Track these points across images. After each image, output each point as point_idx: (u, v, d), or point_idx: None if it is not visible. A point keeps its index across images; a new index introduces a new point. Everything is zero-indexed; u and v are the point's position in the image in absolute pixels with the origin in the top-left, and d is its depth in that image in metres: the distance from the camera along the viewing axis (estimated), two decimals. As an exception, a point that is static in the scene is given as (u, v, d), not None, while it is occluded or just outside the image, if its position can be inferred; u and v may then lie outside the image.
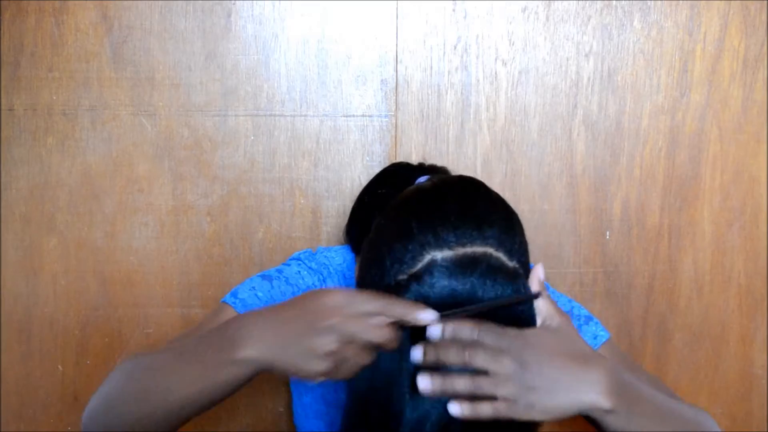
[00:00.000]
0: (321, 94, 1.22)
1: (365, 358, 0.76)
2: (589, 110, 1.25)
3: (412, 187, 0.88)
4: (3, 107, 1.21)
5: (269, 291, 0.99)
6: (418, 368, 0.77)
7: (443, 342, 0.77)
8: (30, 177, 1.22)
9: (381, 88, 1.23)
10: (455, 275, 0.78)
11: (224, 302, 0.98)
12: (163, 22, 1.20)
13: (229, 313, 0.95)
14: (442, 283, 0.77)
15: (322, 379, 0.75)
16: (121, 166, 1.23)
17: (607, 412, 0.77)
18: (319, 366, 0.74)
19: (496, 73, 1.23)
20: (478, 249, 0.79)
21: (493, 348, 0.76)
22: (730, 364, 1.32)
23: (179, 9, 1.20)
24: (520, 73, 1.23)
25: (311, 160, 1.24)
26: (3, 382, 1.26)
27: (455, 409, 0.76)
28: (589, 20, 1.23)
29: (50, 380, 1.27)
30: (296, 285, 1.01)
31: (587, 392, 0.77)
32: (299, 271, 1.03)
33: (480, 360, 0.75)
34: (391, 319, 0.75)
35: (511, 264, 0.81)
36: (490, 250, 0.79)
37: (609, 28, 1.23)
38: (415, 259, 0.79)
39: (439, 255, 0.78)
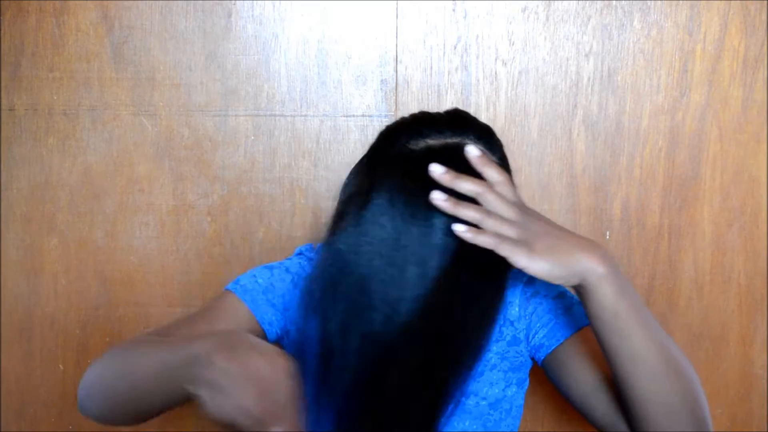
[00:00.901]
0: (321, 94, 1.22)
1: None
2: (589, 110, 1.25)
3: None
4: (4, 107, 1.21)
5: (269, 278, 1.01)
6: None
7: (463, 175, 0.83)
8: (31, 177, 1.23)
9: (381, 88, 1.23)
10: (437, 158, 0.85)
11: (227, 289, 1.01)
12: (164, 22, 1.20)
13: (231, 298, 0.99)
14: (423, 164, 0.84)
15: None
16: (121, 166, 1.23)
17: (602, 277, 0.81)
18: (241, 420, 0.74)
19: (496, 73, 1.23)
20: (457, 140, 0.88)
21: (506, 197, 0.82)
22: (730, 364, 1.32)
23: (179, 9, 1.20)
24: (520, 73, 1.23)
25: (311, 160, 1.24)
26: (4, 381, 1.26)
27: (459, 227, 0.81)
28: (589, 20, 1.23)
29: (51, 380, 1.27)
30: (296, 273, 1.03)
31: (585, 253, 0.82)
32: (300, 263, 1.05)
33: (492, 200, 0.82)
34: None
35: (492, 158, 0.89)
36: (469, 142, 0.88)
37: (609, 28, 1.23)
38: (400, 149, 0.88)
39: (422, 142, 0.88)
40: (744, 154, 1.26)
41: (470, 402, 1.01)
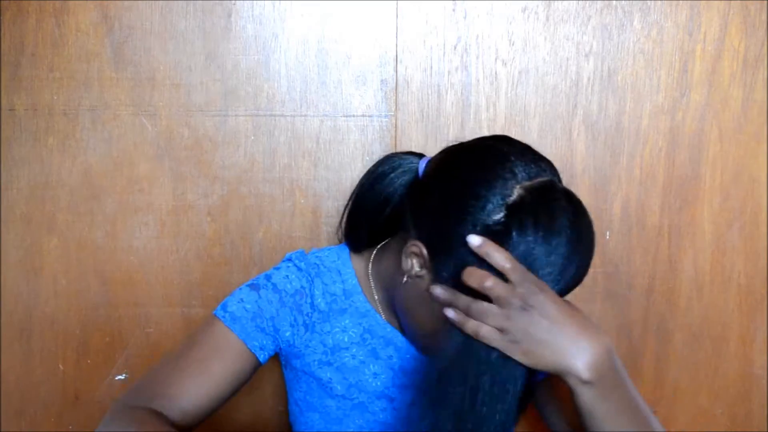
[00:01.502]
0: (321, 94, 1.22)
1: None
2: (589, 110, 1.25)
3: (454, 146, 0.96)
4: (4, 107, 1.21)
5: (256, 301, 1.01)
6: None
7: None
8: (31, 177, 1.23)
9: (381, 88, 1.23)
10: (543, 200, 0.86)
11: (215, 315, 1.01)
12: (164, 22, 1.20)
13: (220, 328, 0.99)
14: (537, 209, 0.85)
15: None
16: (121, 166, 1.23)
17: (583, 383, 0.84)
18: None
19: (496, 73, 1.23)
20: (545, 177, 0.89)
21: (513, 285, 0.84)
22: (730, 364, 1.32)
23: (179, 9, 1.20)
24: (520, 73, 1.23)
25: (311, 160, 1.24)
26: (3, 381, 1.26)
27: (451, 314, 0.87)
28: (589, 20, 1.23)
29: (51, 379, 1.27)
30: (284, 290, 1.03)
31: (572, 357, 0.83)
32: (287, 275, 1.04)
33: (498, 289, 0.84)
34: None
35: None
36: (554, 179, 0.90)
37: (609, 28, 1.23)
38: (504, 193, 0.86)
39: (522, 185, 0.87)
40: (744, 154, 1.26)
41: None
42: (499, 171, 0.87)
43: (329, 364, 1.03)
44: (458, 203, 0.88)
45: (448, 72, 1.23)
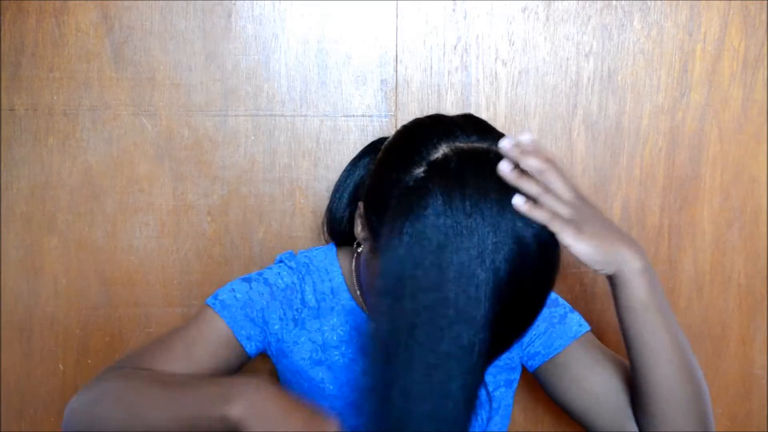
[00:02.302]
0: (321, 94, 1.22)
1: None
2: (589, 110, 1.25)
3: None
4: (4, 107, 1.21)
5: (247, 292, 1.03)
6: None
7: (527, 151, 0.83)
8: (31, 177, 1.23)
9: (381, 88, 1.23)
10: (471, 163, 0.83)
11: (206, 304, 1.03)
12: (164, 22, 1.20)
13: (210, 314, 1.02)
14: (462, 170, 0.82)
15: None
16: (121, 166, 1.23)
17: (637, 271, 0.85)
18: None
19: (496, 73, 1.23)
20: (485, 144, 0.86)
21: (564, 178, 0.84)
22: (730, 364, 1.32)
23: (179, 9, 1.20)
24: (520, 73, 1.23)
25: (311, 160, 1.24)
26: (3, 381, 1.26)
27: (518, 200, 0.81)
28: (589, 20, 1.23)
29: (51, 379, 1.27)
30: (275, 284, 1.04)
31: (625, 247, 0.85)
32: (279, 272, 1.06)
33: (553, 177, 0.83)
34: None
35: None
36: (495, 148, 0.86)
37: (609, 28, 1.23)
38: (429, 151, 0.84)
39: (453, 145, 0.84)
40: (744, 154, 1.26)
41: None
42: (432, 131, 0.87)
43: (320, 362, 1.03)
44: (387, 161, 0.89)
45: (448, 72, 1.23)
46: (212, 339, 1.00)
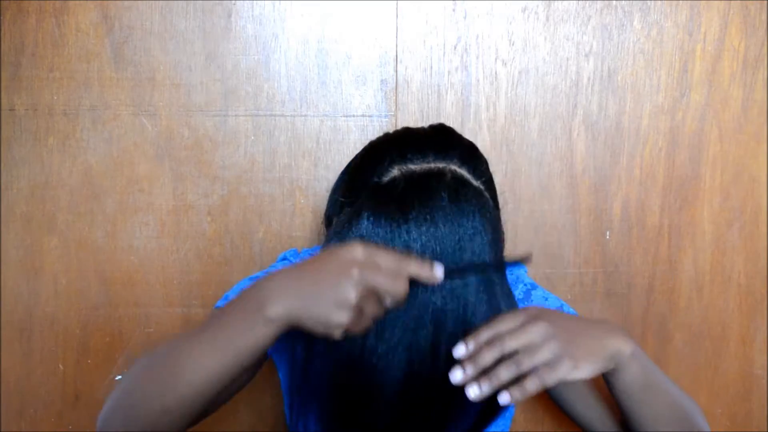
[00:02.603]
0: (321, 94, 1.22)
1: (379, 312, 0.79)
2: (589, 110, 1.25)
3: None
4: (4, 107, 1.21)
5: None
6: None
7: (481, 347, 0.80)
8: (31, 177, 1.23)
9: (381, 88, 1.23)
10: (417, 188, 0.83)
11: (216, 307, 1.00)
12: (164, 22, 1.20)
13: None
14: (406, 193, 0.83)
15: (341, 332, 0.77)
16: (121, 166, 1.23)
17: (630, 356, 0.85)
18: (341, 317, 0.75)
19: (496, 73, 1.23)
20: (441, 165, 0.85)
21: (516, 326, 0.80)
22: (730, 364, 1.32)
23: (179, 9, 1.20)
24: (520, 73, 1.23)
25: (311, 160, 1.24)
26: (3, 381, 1.26)
27: (505, 399, 0.80)
28: (589, 20, 1.23)
29: (51, 380, 1.27)
30: None
31: (612, 339, 0.84)
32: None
33: (513, 342, 0.79)
34: (406, 274, 0.78)
35: (476, 183, 0.87)
36: (454, 167, 0.85)
37: (609, 28, 1.23)
38: (381, 176, 0.85)
39: (404, 168, 0.84)
40: (744, 154, 1.26)
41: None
42: (386, 153, 0.87)
43: None
44: (347, 180, 0.91)
45: (448, 72, 1.23)
46: None
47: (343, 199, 0.91)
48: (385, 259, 0.78)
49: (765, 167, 1.27)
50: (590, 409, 1.06)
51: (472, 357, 0.80)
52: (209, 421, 1.29)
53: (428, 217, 0.82)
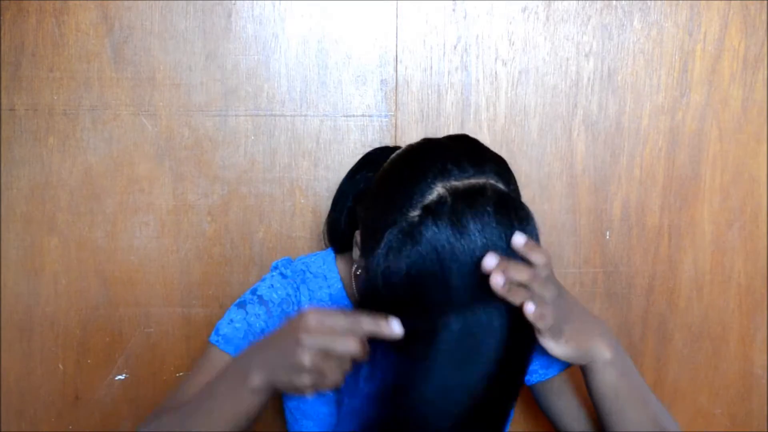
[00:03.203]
0: (321, 94, 1.22)
1: (344, 369, 0.82)
2: (589, 110, 1.25)
3: (406, 145, 0.94)
4: (4, 107, 1.21)
5: (244, 318, 1.02)
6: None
7: (513, 264, 0.81)
8: (31, 177, 1.23)
9: (381, 88, 1.23)
10: (466, 203, 0.82)
11: (210, 342, 1.02)
12: (164, 22, 1.20)
13: (214, 352, 1.01)
14: (456, 212, 0.82)
15: (311, 391, 0.82)
16: (121, 166, 1.23)
17: (608, 362, 0.89)
18: (304, 380, 0.81)
19: (496, 73, 1.23)
20: (481, 180, 0.85)
21: (544, 278, 0.83)
22: (730, 364, 1.32)
23: (180, 9, 1.20)
24: (520, 73, 1.23)
25: (311, 160, 1.24)
26: (3, 381, 1.26)
27: (500, 286, 0.80)
28: (589, 20, 1.23)
29: (51, 379, 1.27)
30: (270, 300, 1.03)
31: (598, 340, 0.89)
32: (272, 285, 1.05)
33: (538, 287, 0.82)
34: (360, 332, 0.81)
35: (513, 196, 0.88)
36: (492, 181, 0.85)
37: (609, 28, 1.23)
38: (424, 192, 0.83)
39: (448, 184, 0.83)
40: (744, 154, 1.26)
41: None
42: (427, 170, 0.86)
43: None
44: (382, 199, 0.89)
45: (448, 72, 1.23)
46: None
47: (370, 214, 0.91)
48: (337, 322, 0.81)
49: (765, 167, 1.27)
50: (570, 409, 1.07)
51: (503, 269, 0.81)
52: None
53: (481, 228, 0.83)
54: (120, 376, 1.28)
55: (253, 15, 1.21)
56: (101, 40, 1.20)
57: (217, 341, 1.01)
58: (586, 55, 1.23)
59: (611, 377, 0.90)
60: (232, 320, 1.02)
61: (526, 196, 1.25)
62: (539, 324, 0.82)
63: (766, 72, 1.24)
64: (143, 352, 1.27)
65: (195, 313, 1.26)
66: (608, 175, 1.26)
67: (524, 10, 1.22)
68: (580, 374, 0.97)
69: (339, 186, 1.11)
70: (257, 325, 1.01)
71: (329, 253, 1.08)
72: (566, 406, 1.07)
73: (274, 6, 1.21)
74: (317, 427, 1.04)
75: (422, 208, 0.83)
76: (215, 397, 0.87)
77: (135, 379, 1.28)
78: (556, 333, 0.86)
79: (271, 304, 1.03)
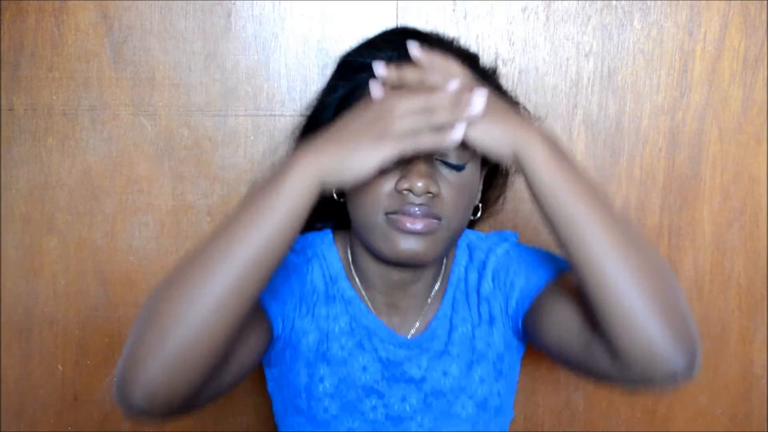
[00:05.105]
0: (321, 94, 1.22)
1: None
2: (589, 110, 1.25)
3: None
4: (3, 107, 1.21)
5: None
6: None
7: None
8: (30, 177, 1.22)
9: (381, 88, 1.23)
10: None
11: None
12: (163, 22, 1.20)
13: None
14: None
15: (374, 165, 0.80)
16: (121, 166, 1.23)
17: (536, 147, 0.81)
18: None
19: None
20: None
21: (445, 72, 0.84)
22: (730, 364, 1.32)
23: (179, 9, 1.20)
24: (520, 73, 1.23)
25: (311, 160, 1.23)
26: (3, 382, 1.26)
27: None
28: (589, 20, 1.23)
29: (50, 380, 1.27)
30: (289, 262, 1.00)
31: (521, 127, 0.82)
32: (288, 255, 1.02)
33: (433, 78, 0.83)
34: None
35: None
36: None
37: (609, 28, 1.23)
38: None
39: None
40: (744, 154, 1.26)
41: (458, 403, 1.01)
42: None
43: (324, 356, 0.99)
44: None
45: (448, 72, 1.23)
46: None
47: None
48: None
49: (765, 167, 1.27)
50: (566, 319, 0.92)
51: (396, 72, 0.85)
52: (209, 422, 1.30)
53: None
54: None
55: (252, 15, 1.21)
56: (100, 39, 1.20)
57: None
58: (586, 55, 1.23)
59: (543, 165, 0.81)
60: None
61: (526, 196, 1.25)
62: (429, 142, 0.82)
63: (766, 72, 1.24)
64: (143, 353, 1.27)
65: (195, 314, 1.26)
66: (608, 175, 1.26)
67: (524, 10, 1.22)
68: (566, 285, 0.93)
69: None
70: (276, 282, 0.96)
71: (327, 233, 1.06)
72: (554, 315, 0.93)
73: (274, 6, 1.20)
74: (309, 423, 1.02)
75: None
76: (251, 205, 0.79)
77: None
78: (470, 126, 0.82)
79: (290, 265, 1.00)
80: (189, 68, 1.21)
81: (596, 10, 1.22)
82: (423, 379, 1.00)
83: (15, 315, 1.25)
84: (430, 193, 0.89)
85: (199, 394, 0.80)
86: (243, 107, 1.22)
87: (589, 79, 1.24)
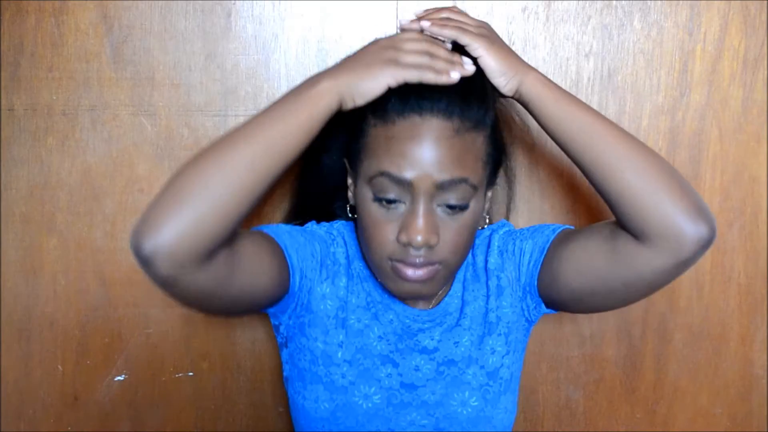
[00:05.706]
0: (321, 94, 1.22)
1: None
2: (589, 110, 1.24)
3: None
4: (3, 107, 1.21)
5: (290, 230, 1.05)
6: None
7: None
8: (30, 177, 1.22)
9: (381, 88, 1.23)
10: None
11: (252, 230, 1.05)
12: (163, 22, 1.20)
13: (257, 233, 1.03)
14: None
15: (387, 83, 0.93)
16: (121, 166, 1.23)
17: (536, 78, 0.97)
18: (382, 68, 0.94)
19: (496, 73, 1.23)
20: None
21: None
22: (730, 364, 1.32)
23: (179, 9, 1.20)
24: (520, 73, 1.23)
25: (311, 160, 1.23)
26: (3, 382, 1.26)
27: (425, 24, 1.00)
28: (589, 20, 1.23)
29: (50, 380, 1.27)
30: (314, 232, 1.08)
31: (527, 66, 0.98)
32: (314, 230, 1.09)
33: (459, 15, 1.01)
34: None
35: None
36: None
37: (609, 28, 1.23)
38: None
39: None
40: (744, 154, 1.26)
41: (470, 371, 1.05)
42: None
43: (343, 323, 1.05)
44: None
45: (448, 72, 1.23)
46: (262, 245, 0.99)
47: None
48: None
49: (765, 167, 1.27)
50: (581, 241, 1.02)
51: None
52: (209, 422, 1.30)
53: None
54: (119, 377, 1.27)
55: (252, 15, 1.20)
56: (100, 39, 1.20)
57: (258, 227, 1.04)
58: (586, 55, 1.23)
59: (543, 89, 0.97)
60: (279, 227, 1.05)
61: (526, 196, 1.26)
62: (461, 34, 0.97)
63: (766, 72, 1.24)
64: (142, 353, 1.27)
65: (194, 315, 1.26)
66: (608, 175, 1.26)
67: (524, 10, 1.22)
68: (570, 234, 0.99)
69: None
70: (299, 240, 1.03)
71: (350, 223, 1.12)
72: (582, 244, 1.01)
73: (274, 6, 1.20)
74: (327, 390, 1.04)
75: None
76: (274, 111, 0.91)
77: (134, 380, 1.27)
78: (486, 41, 0.97)
79: (315, 234, 1.07)
80: (189, 68, 1.21)
81: (596, 10, 1.22)
82: (435, 350, 1.06)
83: (15, 315, 1.25)
84: (429, 245, 0.95)
85: (205, 262, 0.88)
86: (243, 107, 1.22)
87: (589, 79, 1.24)
